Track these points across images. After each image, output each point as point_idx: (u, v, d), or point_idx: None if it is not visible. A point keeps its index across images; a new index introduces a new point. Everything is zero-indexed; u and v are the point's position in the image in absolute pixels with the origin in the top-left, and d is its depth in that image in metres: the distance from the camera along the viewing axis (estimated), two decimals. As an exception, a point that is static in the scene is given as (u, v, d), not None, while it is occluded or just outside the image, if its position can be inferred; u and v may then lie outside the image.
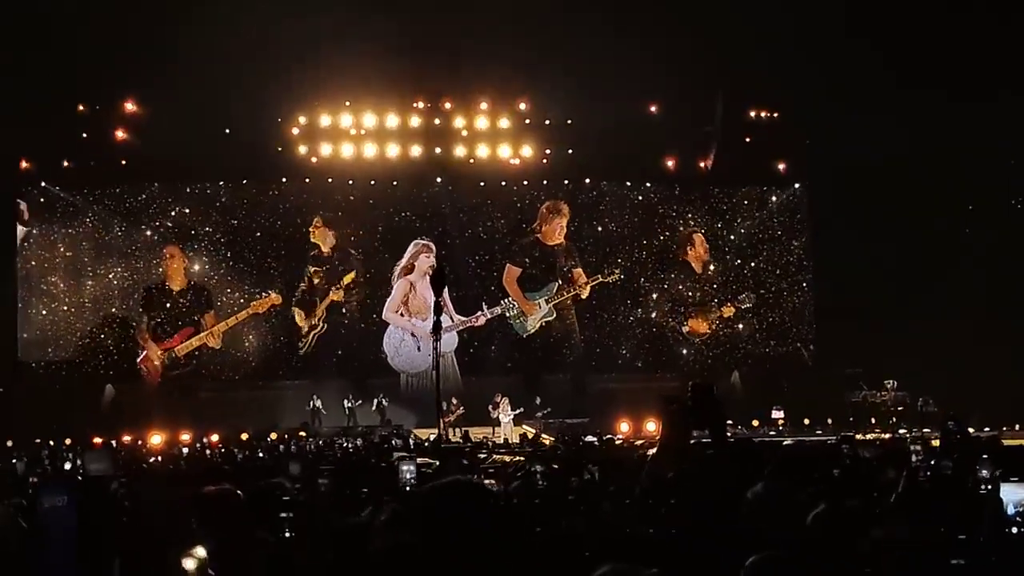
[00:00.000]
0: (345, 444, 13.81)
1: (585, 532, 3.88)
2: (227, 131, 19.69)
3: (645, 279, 21.80)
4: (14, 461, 9.45)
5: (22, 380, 19.86)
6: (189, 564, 2.91)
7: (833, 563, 2.75)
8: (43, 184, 20.82)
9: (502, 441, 17.03)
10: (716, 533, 2.87)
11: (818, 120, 19.36)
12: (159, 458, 11.26)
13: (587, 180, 21.79)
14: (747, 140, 20.94)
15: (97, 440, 13.99)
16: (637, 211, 22.01)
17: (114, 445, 14.11)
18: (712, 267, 21.88)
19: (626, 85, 19.04)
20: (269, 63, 17.53)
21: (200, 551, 2.98)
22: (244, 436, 14.75)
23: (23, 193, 20.71)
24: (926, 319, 17.99)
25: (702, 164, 21.47)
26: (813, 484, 3.90)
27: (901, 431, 15.93)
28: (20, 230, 20.79)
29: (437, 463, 6.34)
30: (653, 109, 20.53)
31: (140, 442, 15.20)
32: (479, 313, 21.01)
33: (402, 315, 21.22)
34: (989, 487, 3.57)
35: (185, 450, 12.87)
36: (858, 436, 11.92)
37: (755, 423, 17.75)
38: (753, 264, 22.11)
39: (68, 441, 14.46)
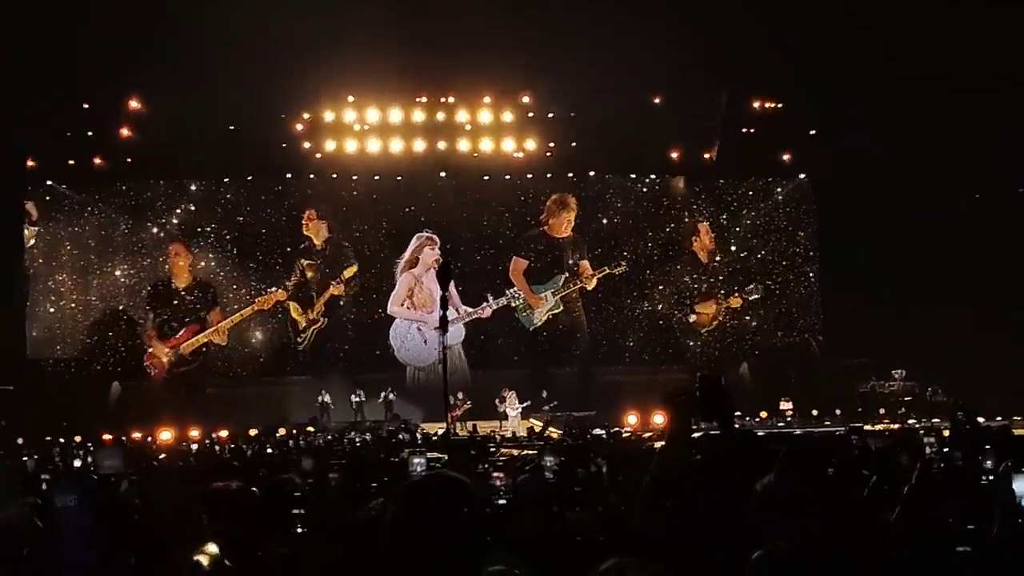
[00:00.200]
0: (354, 439, 13.85)
1: (592, 524, 3.89)
2: (231, 128, 19.71)
3: (651, 271, 21.81)
4: (24, 459, 9.47)
5: (31, 378, 19.95)
6: (201, 560, 2.93)
7: (839, 556, 2.75)
8: (49, 183, 20.93)
9: (510, 435, 16.99)
10: (724, 526, 2.87)
11: (822, 111, 19.31)
12: (169, 455, 11.27)
13: (591, 173, 21.78)
14: (752, 132, 20.89)
15: (108, 437, 14.01)
16: (642, 203, 22.02)
17: (124, 442, 14.15)
18: (718, 258, 21.87)
19: (629, 77, 18.97)
20: (273, 60, 17.50)
21: (212, 547, 3.00)
22: (253, 432, 14.77)
23: (29, 192, 20.79)
24: (933, 309, 17.92)
25: (707, 156, 21.42)
26: (823, 476, 3.89)
27: (910, 421, 15.91)
28: (28, 230, 20.87)
29: (446, 457, 6.38)
30: (657, 101, 20.48)
31: (149, 439, 15.23)
32: (485, 304, 21.02)
33: (408, 309, 21.24)
34: (991, 478, 3.57)
35: (195, 446, 12.87)
36: (867, 427, 11.89)
37: (763, 415, 17.74)
38: (759, 255, 22.09)
39: (78, 439, 14.50)
